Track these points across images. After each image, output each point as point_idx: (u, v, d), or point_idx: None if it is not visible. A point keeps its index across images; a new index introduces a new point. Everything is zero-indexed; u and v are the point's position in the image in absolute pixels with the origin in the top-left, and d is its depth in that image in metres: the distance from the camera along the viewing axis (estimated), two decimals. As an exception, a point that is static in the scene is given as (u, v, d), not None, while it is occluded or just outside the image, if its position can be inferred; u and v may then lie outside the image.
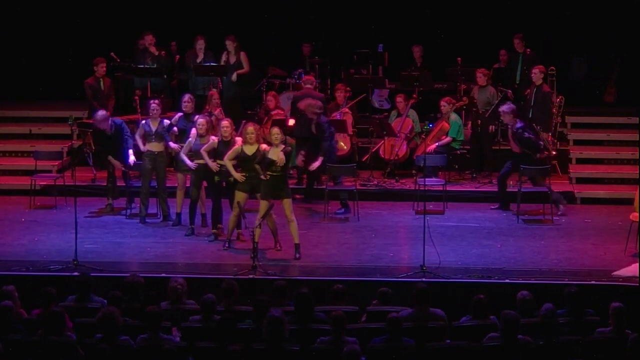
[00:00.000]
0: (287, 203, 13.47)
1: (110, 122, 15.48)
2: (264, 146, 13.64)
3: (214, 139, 14.23)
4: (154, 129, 15.01)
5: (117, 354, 9.42)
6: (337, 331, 9.71)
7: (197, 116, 14.85)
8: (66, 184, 16.17)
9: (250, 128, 13.73)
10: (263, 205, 13.39)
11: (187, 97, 15.42)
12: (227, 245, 13.88)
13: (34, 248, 13.90)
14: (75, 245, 12.91)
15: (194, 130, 14.53)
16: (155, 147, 15.09)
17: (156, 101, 15.39)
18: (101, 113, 15.56)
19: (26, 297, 10.94)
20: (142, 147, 15.10)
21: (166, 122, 15.13)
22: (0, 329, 9.80)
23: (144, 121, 15.28)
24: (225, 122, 14.24)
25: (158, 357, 9.45)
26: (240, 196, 13.67)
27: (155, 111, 15.05)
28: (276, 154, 13.41)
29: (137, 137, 15.17)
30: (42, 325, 9.76)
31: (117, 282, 11.43)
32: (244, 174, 13.69)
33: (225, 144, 14.01)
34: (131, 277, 11.11)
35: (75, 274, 12.16)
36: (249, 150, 13.68)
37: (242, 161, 13.74)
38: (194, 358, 9.66)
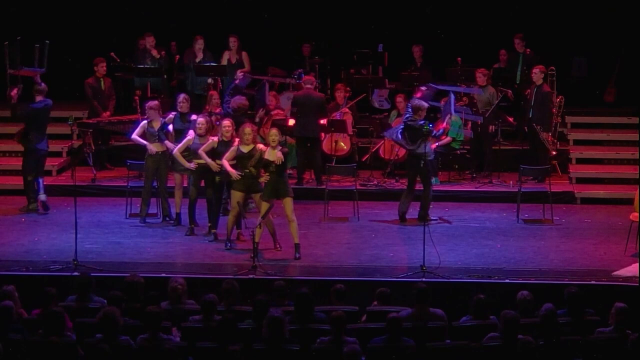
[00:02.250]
0: (288, 202, 13.44)
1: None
2: (260, 146, 13.63)
3: (213, 139, 14.22)
4: (156, 129, 15.00)
5: (117, 354, 9.41)
6: (337, 331, 9.71)
7: (194, 115, 14.87)
8: (66, 183, 16.17)
9: (248, 129, 13.70)
10: (264, 206, 13.39)
11: (182, 97, 15.36)
12: (227, 245, 13.88)
13: (34, 248, 13.89)
14: (75, 245, 12.90)
15: (191, 132, 14.51)
16: (158, 147, 15.05)
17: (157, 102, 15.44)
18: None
19: (26, 297, 10.93)
20: (149, 146, 14.94)
21: (161, 120, 15.12)
22: (0, 329, 9.80)
23: (144, 121, 15.26)
24: (227, 122, 14.22)
25: (158, 357, 9.44)
26: (236, 196, 13.65)
27: (159, 112, 15.04)
28: (273, 155, 13.39)
29: (135, 136, 15.15)
30: (42, 325, 9.75)
31: (117, 282, 11.43)
32: (239, 172, 13.67)
33: (225, 144, 13.99)
34: (131, 277, 11.10)
35: (75, 274, 12.15)
36: (246, 149, 13.66)
37: (238, 159, 13.72)
38: (194, 358, 9.66)
